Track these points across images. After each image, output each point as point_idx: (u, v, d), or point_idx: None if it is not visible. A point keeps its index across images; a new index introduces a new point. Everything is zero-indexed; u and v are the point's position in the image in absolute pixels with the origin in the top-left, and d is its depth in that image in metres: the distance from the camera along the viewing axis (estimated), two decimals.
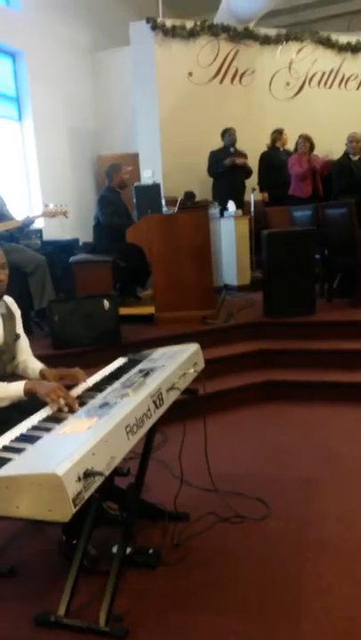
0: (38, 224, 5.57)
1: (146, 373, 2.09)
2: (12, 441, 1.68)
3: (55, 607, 1.77)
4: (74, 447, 1.47)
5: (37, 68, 6.95)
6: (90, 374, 2.22)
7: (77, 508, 1.37)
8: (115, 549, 1.91)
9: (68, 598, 1.77)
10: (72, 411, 1.87)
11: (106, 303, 3.84)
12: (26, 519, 1.86)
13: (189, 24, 7.35)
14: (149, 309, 4.52)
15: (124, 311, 4.24)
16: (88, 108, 8.15)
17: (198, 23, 7.38)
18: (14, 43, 6.69)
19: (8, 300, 2.34)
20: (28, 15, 6.85)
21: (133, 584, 1.94)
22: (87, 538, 1.87)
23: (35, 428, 1.79)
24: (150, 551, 2.06)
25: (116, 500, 2.00)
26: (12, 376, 2.29)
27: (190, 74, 7.47)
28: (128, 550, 1.96)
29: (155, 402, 1.91)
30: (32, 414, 1.88)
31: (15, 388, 2.03)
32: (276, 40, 7.78)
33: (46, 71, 7.11)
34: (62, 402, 1.89)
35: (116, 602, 1.76)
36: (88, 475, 1.42)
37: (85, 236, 6.39)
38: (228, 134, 6.76)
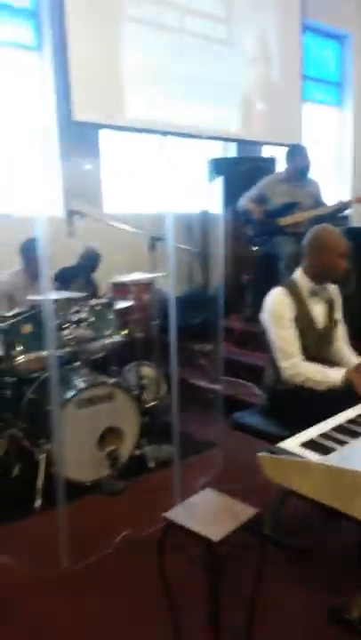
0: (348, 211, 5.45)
1: None
2: (333, 429, 1.69)
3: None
4: None
5: None
6: None
7: None
8: None
9: None
10: None
11: None
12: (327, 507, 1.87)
13: None
14: None
15: None
16: None
17: None
18: (342, 25, 6.58)
19: (330, 286, 2.36)
20: None
21: None
22: None
23: (351, 421, 1.76)
24: None
25: None
26: (325, 361, 2.31)
27: None
28: None
29: None
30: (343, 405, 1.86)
31: (335, 375, 2.04)
32: None
33: None
34: None
35: None
36: None
37: None
38: None
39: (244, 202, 4.21)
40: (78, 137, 4.49)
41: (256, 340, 3.96)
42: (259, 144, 5.84)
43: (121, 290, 3.72)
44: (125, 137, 5.03)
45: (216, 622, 1.48)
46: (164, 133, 5.11)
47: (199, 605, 1.73)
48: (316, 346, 2.30)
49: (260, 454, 1.42)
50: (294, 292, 2.27)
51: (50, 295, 2.08)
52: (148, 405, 3.41)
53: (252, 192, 4.23)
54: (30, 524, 2.47)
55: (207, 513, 1.50)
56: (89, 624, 1.86)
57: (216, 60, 5.16)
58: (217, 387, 3.37)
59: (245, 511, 1.48)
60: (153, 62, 4.73)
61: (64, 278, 3.66)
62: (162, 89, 4.82)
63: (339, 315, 2.39)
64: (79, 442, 2.71)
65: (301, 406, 2.05)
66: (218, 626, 1.48)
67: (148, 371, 3.56)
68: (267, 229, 4.12)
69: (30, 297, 3.10)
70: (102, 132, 4.75)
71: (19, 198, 4.20)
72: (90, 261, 3.99)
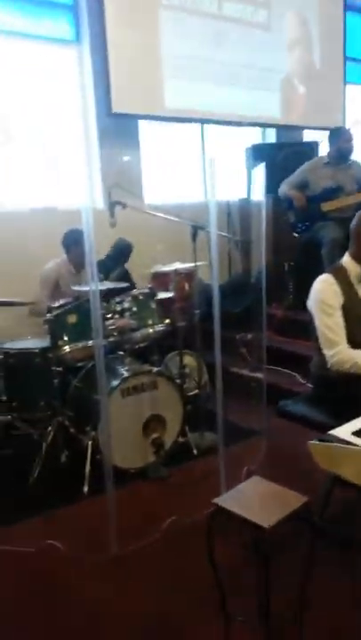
0: None
1: None
2: None
3: None
4: None
5: None
6: None
7: None
8: None
9: None
10: None
11: None
12: None
13: None
14: None
15: None
16: None
17: None
18: None
19: None
20: None
21: None
22: None
23: None
24: None
25: None
26: None
27: None
28: None
29: None
30: None
31: None
32: None
33: None
34: None
35: None
36: None
37: None
38: None
39: (286, 188, 4.15)
40: (118, 128, 4.52)
41: (297, 327, 3.91)
42: (300, 129, 5.72)
43: (162, 280, 3.74)
44: (165, 127, 5.03)
45: (266, 608, 1.49)
46: (204, 122, 5.08)
47: (246, 590, 1.75)
48: None
49: (311, 442, 1.41)
50: (342, 278, 2.23)
51: (96, 285, 2.11)
52: (189, 394, 3.43)
53: (294, 177, 4.15)
54: (78, 510, 2.53)
55: (256, 500, 1.50)
56: (138, 609, 1.89)
57: (256, 46, 5.08)
58: (259, 375, 3.36)
59: (296, 499, 1.48)
60: (192, 50, 4.70)
61: (100, 270, 3.72)
62: (201, 77, 4.79)
63: None
64: (124, 429, 2.75)
65: (349, 394, 2.02)
66: (268, 611, 1.49)
67: (189, 359, 3.57)
68: (309, 215, 4.04)
69: (75, 287, 3.17)
70: (142, 123, 4.76)
71: (63, 191, 4.27)
72: (122, 253, 4.02)
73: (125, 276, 3.87)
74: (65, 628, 1.82)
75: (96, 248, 2.09)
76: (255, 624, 1.63)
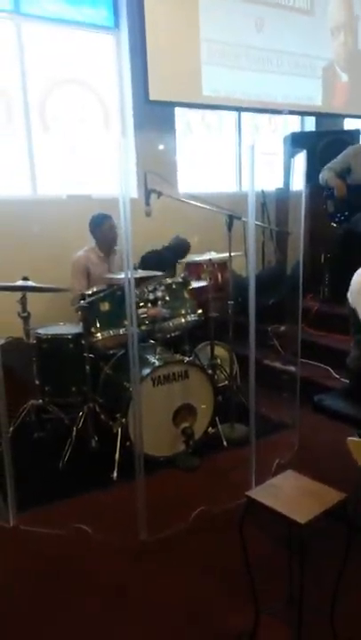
0: None
1: None
2: None
3: None
4: None
5: None
6: None
7: None
8: None
9: None
10: None
11: None
12: None
13: None
14: None
15: None
16: None
17: None
18: None
19: None
20: None
21: None
22: None
23: None
24: None
25: None
26: None
27: None
28: None
29: None
30: None
31: None
32: None
33: None
34: None
35: None
36: None
37: None
38: None
39: (328, 175, 4.01)
40: (154, 116, 4.48)
41: (333, 321, 3.83)
42: (341, 117, 5.57)
43: (195, 270, 3.71)
44: (201, 115, 4.97)
45: (299, 601, 1.46)
46: (241, 110, 4.99)
47: (276, 584, 1.72)
48: None
49: (350, 439, 1.37)
50: None
51: (129, 273, 2.09)
52: (220, 385, 3.40)
53: (337, 163, 4.02)
54: (108, 495, 2.55)
55: (291, 494, 1.47)
56: (165, 596, 1.89)
57: (297, 32, 4.96)
58: (292, 368, 3.30)
59: (332, 495, 1.44)
60: (231, 36, 4.61)
61: (150, 261, 3.73)
62: (239, 63, 4.70)
63: None
64: (154, 418, 2.75)
65: None
66: (301, 605, 1.46)
67: (220, 351, 3.54)
68: (349, 205, 3.93)
69: (108, 275, 3.17)
70: (178, 111, 4.71)
71: (98, 179, 4.28)
72: (178, 251, 4.01)
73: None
74: (90, 614, 1.83)
75: (134, 238, 2.06)
76: (285, 616, 1.61)
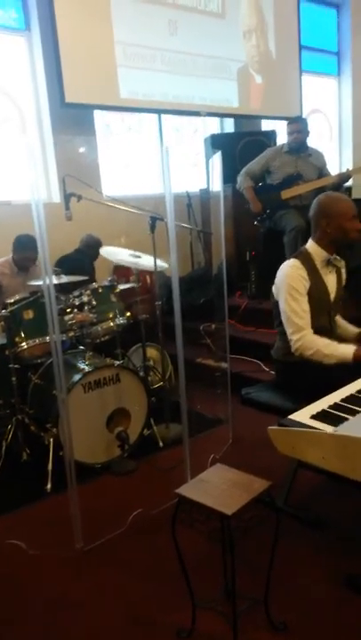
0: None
1: None
2: (342, 400, 1.67)
3: None
4: None
5: None
6: None
7: None
8: None
9: None
10: None
11: None
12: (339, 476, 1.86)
13: None
14: None
15: None
16: None
17: None
18: None
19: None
20: None
21: None
22: None
23: None
24: None
25: None
26: (330, 331, 2.29)
27: None
28: None
29: None
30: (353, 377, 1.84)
31: (344, 351, 2.02)
32: None
33: None
34: None
35: None
36: None
37: None
38: None
39: (245, 184, 4.09)
40: (73, 119, 4.42)
41: (260, 316, 3.94)
42: (258, 118, 5.74)
43: (123, 272, 3.69)
44: (121, 117, 4.96)
45: (232, 594, 1.48)
46: (160, 112, 5.02)
47: (213, 578, 1.74)
48: (325, 316, 2.27)
49: (270, 427, 1.40)
50: (308, 262, 2.23)
51: (50, 280, 2.04)
52: (154, 386, 3.40)
53: (255, 165, 4.13)
54: (42, 508, 2.47)
55: (219, 487, 1.49)
56: (106, 603, 1.86)
57: (210, 35, 5.05)
58: (223, 365, 3.35)
59: (257, 484, 1.47)
60: (144, 39, 4.63)
61: (65, 266, 3.64)
62: (155, 66, 4.73)
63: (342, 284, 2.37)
64: (87, 424, 2.70)
65: (311, 379, 2.03)
66: (234, 595, 1.48)
67: (153, 352, 3.54)
68: (269, 204, 4.05)
69: (29, 283, 3.08)
70: (97, 114, 4.67)
71: (16, 185, 4.15)
72: (91, 250, 3.97)
73: (91, 274, 3.81)
74: (33, 630, 1.76)
75: (53, 243, 2.02)
76: (222, 608, 1.63)
